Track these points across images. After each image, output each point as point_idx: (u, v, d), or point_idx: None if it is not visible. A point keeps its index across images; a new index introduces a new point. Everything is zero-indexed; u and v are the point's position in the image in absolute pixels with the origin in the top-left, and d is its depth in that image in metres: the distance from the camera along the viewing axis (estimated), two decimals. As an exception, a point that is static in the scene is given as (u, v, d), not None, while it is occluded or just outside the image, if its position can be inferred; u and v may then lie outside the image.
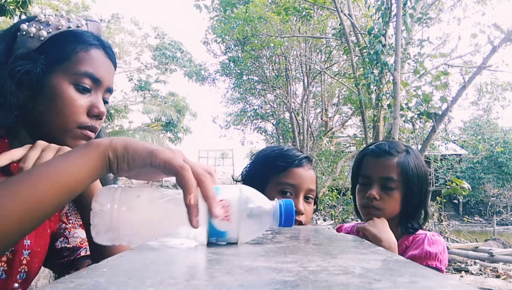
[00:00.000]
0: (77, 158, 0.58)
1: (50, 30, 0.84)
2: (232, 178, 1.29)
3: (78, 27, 0.87)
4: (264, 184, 1.14)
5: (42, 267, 0.98)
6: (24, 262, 0.86)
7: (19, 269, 0.85)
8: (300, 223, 1.12)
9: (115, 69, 0.94)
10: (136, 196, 0.56)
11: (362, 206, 1.19)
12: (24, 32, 0.83)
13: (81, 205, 0.82)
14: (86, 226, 0.85)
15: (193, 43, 37.40)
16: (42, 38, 0.83)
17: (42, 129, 0.82)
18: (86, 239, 0.96)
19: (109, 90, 0.90)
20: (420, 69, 5.50)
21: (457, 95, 5.93)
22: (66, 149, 0.77)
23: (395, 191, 1.15)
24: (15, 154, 0.70)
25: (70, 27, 0.86)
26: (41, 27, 0.84)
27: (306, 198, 1.15)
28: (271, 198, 1.16)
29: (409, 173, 1.15)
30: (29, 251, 0.86)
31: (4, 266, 0.81)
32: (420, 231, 1.17)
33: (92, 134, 0.86)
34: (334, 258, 0.44)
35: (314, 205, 1.24)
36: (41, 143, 0.73)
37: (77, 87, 0.83)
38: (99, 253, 0.80)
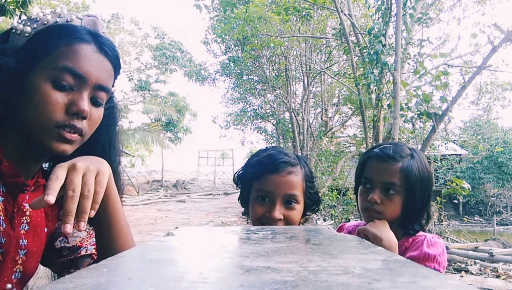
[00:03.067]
0: None
1: (35, 26, 0.82)
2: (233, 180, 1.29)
3: (68, 21, 0.83)
4: (249, 190, 1.17)
5: (44, 267, 0.97)
6: (20, 261, 0.85)
7: (14, 269, 0.84)
8: None
9: (117, 67, 0.88)
10: None
11: (363, 209, 1.20)
12: (14, 30, 0.82)
13: (98, 210, 0.82)
14: (99, 230, 0.84)
15: (193, 43, 37.46)
16: (27, 34, 0.81)
17: (24, 128, 0.79)
18: (86, 239, 0.96)
19: (102, 88, 0.83)
20: (420, 69, 5.50)
21: (457, 95, 5.94)
22: (105, 173, 0.75)
23: (396, 196, 1.15)
24: (61, 178, 0.68)
25: (57, 22, 0.83)
26: (29, 23, 0.82)
27: (288, 203, 1.13)
28: (253, 204, 1.15)
29: (412, 179, 1.15)
30: (25, 251, 0.86)
31: None
32: (420, 233, 1.18)
33: (73, 136, 0.80)
34: (334, 258, 0.44)
35: (315, 206, 1.22)
36: (81, 167, 0.70)
37: (54, 84, 0.78)
38: (106, 252, 0.80)
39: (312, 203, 1.20)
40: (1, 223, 0.80)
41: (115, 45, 0.88)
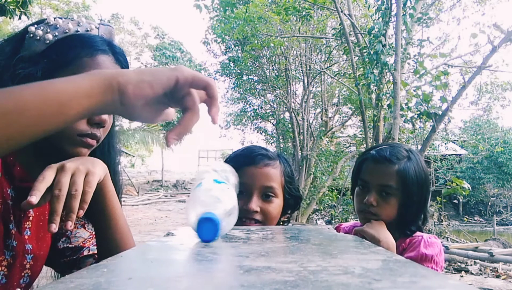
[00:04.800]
0: (72, 78, 0.58)
1: (57, 34, 0.82)
2: None
3: (88, 31, 0.85)
4: None
5: (46, 267, 0.98)
6: (28, 266, 0.85)
7: (23, 274, 0.85)
8: (257, 221, 1.10)
9: None
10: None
11: (359, 211, 1.19)
12: (31, 35, 0.81)
13: (96, 210, 0.81)
14: (98, 230, 0.85)
15: (193, 43, 37.37)
16: (48, 42, 0.81)
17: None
18: (89, 239, 0.96)
19: None
20: (420, 69, 5.50)
21: (457, 95, 5.93)
22: (96, 173, 0.75)
23: (392, 198, 1.15)
24: (48, 179, 0.68)
25: (78, 31, 0.84)
26: (48, 30, 0.82)
27: (266, 196, 1.12)
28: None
29: (408, 182, 1.14)
30: (32, 255, 0.86)
31: (5, 270, 0.80)
32: (417, 233, 1.18)
33: (93, 141, 0.82)
34: (334, 258, 0.44)
35: (296, 204, 1.21)
36: (70, 167, 0.71)
37: None
38: (106, 252, 0.81)
39: (293, 200, 1.18)
40: (13, 227, 0.80)
41: (124, 52, 0.91)
